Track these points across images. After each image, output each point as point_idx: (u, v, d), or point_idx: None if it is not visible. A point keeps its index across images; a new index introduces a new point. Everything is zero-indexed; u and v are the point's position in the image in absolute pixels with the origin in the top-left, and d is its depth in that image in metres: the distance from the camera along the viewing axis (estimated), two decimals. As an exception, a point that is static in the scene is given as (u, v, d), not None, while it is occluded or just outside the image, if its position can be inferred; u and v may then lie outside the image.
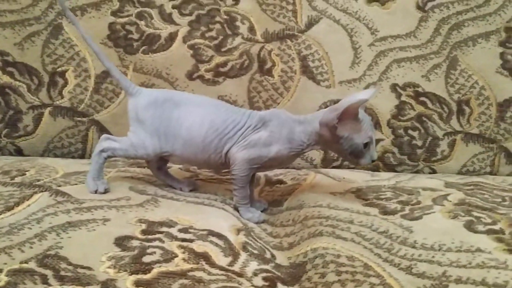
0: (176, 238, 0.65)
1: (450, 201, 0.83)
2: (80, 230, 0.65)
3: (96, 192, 0.79)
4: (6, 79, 1.11)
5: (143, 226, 0.68)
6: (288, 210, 0.84)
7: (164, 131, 0.81)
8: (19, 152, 1.13)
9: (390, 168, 1.16)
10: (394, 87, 1.17)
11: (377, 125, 1.16)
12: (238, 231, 0.73)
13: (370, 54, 1.17)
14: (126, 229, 0.66)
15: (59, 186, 0.81)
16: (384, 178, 1.02)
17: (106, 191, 0.80)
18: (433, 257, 0.63)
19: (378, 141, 1.16)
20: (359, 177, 1.01)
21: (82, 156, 1.14)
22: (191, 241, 0.65)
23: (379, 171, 1.15)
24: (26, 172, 0.89)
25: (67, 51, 1.13)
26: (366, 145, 0.77)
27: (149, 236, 0.65)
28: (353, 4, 1.18)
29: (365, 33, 1.18)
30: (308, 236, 0.72)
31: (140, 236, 0.65)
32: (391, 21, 1.19)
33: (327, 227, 0.73)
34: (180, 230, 0.68)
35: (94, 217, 0.69)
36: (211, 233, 0.68)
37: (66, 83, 1.13)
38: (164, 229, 0.68)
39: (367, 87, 1.16)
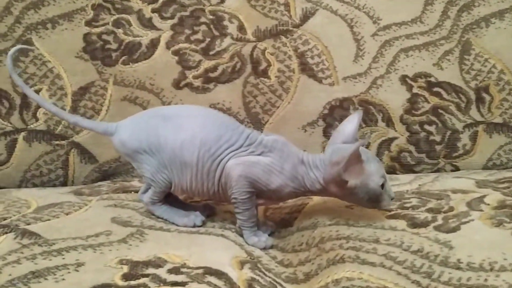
0: (165, 282, 0.53)
1: (488, 205, 0.71)
2: (45, 282, 0.53)
3: (194, 226, 0.72)
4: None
5: (125, 269, 0.56)
6: (299, 231, 0.71)
7: (158, 152, 0.71)
8: (-8, 183, 1.02)
9: (408, 168, 1.05)
10: (404, 79, 1.06)
11: (389, 122, 1.04)
12: (242, 264, 0.61)
13: (374, 45, 1.06)
14: (103, 274, 0.54)
15: (28, 224, 0.69)
16: (405, 182, 0.90)
17: (203, 222, 0.73)
18: (485, 280, 0.51)
19: (392, 139, 1.04)
20: (376, 183, 0.89)
21: (64, 184, 1.03)
22: (183, 284, 0.53)
23: (396, 173, 1.03)
24: (-7, 210, 0.77)
25: (39, 69, 1.02)
26: (382, 185, 0.67)
27: (132, 282, 0.53)
28: (351, -8, 1.07)
29: (367, 23, 1.06)
30: (327, 263, 0.60)
31: (120, 282, 0.53)
32: (394, 7, 1.07)
33: (349, 250, 0.61)
34: (170, 271, 0.56)
35: (65, 262, 0.57)
36: (209, 271, 0.56)
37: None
38: (151, 270, 0.56)
39: (374, 81, 1.05)
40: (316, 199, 0.81)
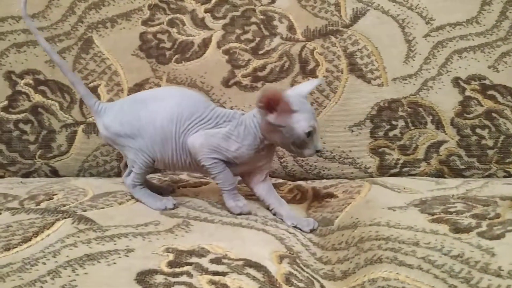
0: (207, 271, 0.56)
1: (538, 213, 0.68)
2: (98, 264, 0.57)
3: (166, 209, 0.78)
4: (38, 98, 1.08)
5: (170, 257, 0.59)
6: (340, 230, 0.72)
7: (140, 134, 0.78)
8: (54, 173, 1.09)
9: (457, 173, 1.02)
10: (456, 81, 1.03)
11: (439, 124, 1.02)
12: (281, 258, 0.62)
13: (426, 46, 1.04)
14: (150, 261, 0.58)
15: (84, 211, 0.74)
16: (452, 186, 0.88)
17: (175, 206, 0.79)
18: (526, 289, 0.50)
19: (441, 142, 1.02)
20: (422, 186, 0.88)
21: (118, 174, 1.08)
22: (224, 274, 0.55)
23: (445, 177, 1.01)
24: (54, 196, 0.83)
25: (98, 65, 1.08)
26: (309, 134, 0.74)
27: (176, 270, 0.56)
28: (403, -8, 1.05)
29: (419, 23, 1.05)
30: (365, 263, 0.61)
31: (165, 269, 0.56)
32: (449, 7, 1.05)
33: (388, 251, 0.61)
34: (212, 261, 0.58)
35: (117, 248, 0.61)
36: (248, 263, 0.58)
37: (98, 99, 1.07)
38: (194, 259, 0.58)
39: (425, 83, 1.03)
40: (358, 199, 0.81)
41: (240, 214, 0.76)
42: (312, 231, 0.76)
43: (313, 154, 0.76)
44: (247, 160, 0.78)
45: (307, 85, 0.80)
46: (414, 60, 1.04)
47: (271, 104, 0.72)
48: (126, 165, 0.85)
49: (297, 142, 0.74)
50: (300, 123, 0.73)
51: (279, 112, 0.73)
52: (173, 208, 0.78)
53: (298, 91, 0.78)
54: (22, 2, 0.83)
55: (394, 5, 1.05)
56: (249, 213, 0.77)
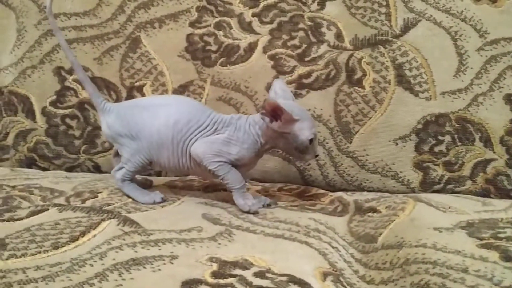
0: (251, 285, 0.55)
1: None
2: (144, 270, 0.57)
3: (154, 203, 0.82)
4: (85, 94, 1.10)
5: (214, 267, 0.59)
6: (384, 248, 0.70)
7: (138, 137, 0.82)
8: (97, 168, 1.11)
9: (504, 193, 0.98)
10: (508, 98, 1.00)
11: (487, 142, 0.99)
12: (325, 275, 0.61)
13: (479, 60, 1.01)
14: (195, 270, 0.58)
15: (129, 212, 0.75)
16: (500, 208, 0.85)
17: (164, 200, 0.83)
18: None
19: (488, 161, 0.99)
20: (467, 206, 0.85)
21: (158, 174, 1.09)
22: (268, 290, 0.55)
23: (491, 197, 0.98)
24: (98, 195, 0.84)
25: (145, 65, 1.10)
26: (311, 141, 0.80)
27: (220, 281, 0.56)
28: (457, 3, 1.02)
29: (472, 36, 1.01)
30: (411, 287, 0.59)
31: (210, 279, 0.56)
32: (505, 20, 1.01)
33: (435, 276, 0.59)
34: (255, 274, 0.58)
35: (161, 253, 0.61)
36: (292, 279, 0.58)
37: (143, 98, 1.09)
38: (238, 271, 0.58)
39: (475, 98, 1.00)
40: (402, 216, 0.79)
41: (248, 212, 0.79)
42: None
43: (313, 159, 0.85)
44: (247, 161, 0.83)
45: (281, 85, 0.87)
46: (465, 74, 1.01)
47: (275, 113, 0.77)
48: (116, 155, 0.90)
49: (300, 147, 0.80)
50: (303, 131, 0.79)
51: (283, 121, 0.78)
52: (161, 202, 0.82)
53: (284, 94, 0.85)
54: (48, 1, 0.86)
55: (447, 17, 1.02)
56: (256, 212, 0.80)
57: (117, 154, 0.89)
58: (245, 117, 0.84)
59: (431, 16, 1.02)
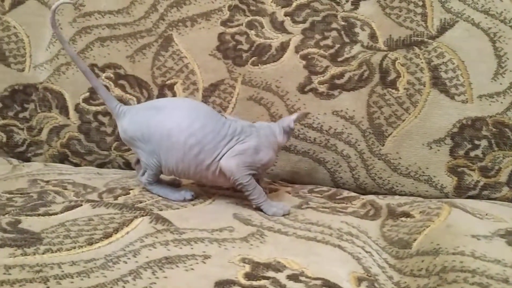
0: (285, 288, 0.55)
1: None
2: (177, 269, 0.57)
3: (185, 200, 0.83)
4: (117, 91, 1.11)
5: (247, 268, 0.58)
6: (419, 255, 0.69)
7: (150, 139, 0.81)
8: (127, 165, 1.12)
9: (543, 201, 0.95)
10: (548, 103, 0.96)
11: (524, 148, 0.96)
12: (359, 280, 0.60)
13: (518, 63, 0.98)
14: (227, 270, 0.57)
15: (161, 210, 0.75)
16: (539, 217, 0.82)
17: (194, 197, 0.83)
18: None
19: (526, 167, 0.96)
20: (504, 213, 0.83)
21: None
22: (302, 293, 0.54)
23: (527, 204, 0.95)
24: (130, 191, 0.85)
25: (176, 64, 1.10)
26: None
27: (254, 283, 0.55)
28: (497, 4, 0.99)
29: (512, 38, 0.98)
30: (449, 295, 0.58)
31: (243, 281, 0.55)
32: (547, 22, 0.98)
33: (475, 286, 0.57)
34: (289, 277, 0.57)
35: (194, 253, 0.61)
36: (327, 283, 0.57)
37: (174, 96, 1.09)
38: (271, 273, 0.58)
39: (514, 102, 0.97)
40: (437, 222, 0.77)
41: (283, 215, 0.79)
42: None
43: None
44: (271, 165, 0.87)
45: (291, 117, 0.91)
46: (503, 77, 0.98)
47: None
48: (137, 162, 0.91)
49: None
50: None
51: None
52: (192, 199, 0.83)
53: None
54: (51, 11, 0.83)
55: (486, 17, 0.99)
56: (289, 212, 0.80)
57: (138, 162, 0.89)
58: (263, 124, 0.88)
59: (469, 16, 1.00)
